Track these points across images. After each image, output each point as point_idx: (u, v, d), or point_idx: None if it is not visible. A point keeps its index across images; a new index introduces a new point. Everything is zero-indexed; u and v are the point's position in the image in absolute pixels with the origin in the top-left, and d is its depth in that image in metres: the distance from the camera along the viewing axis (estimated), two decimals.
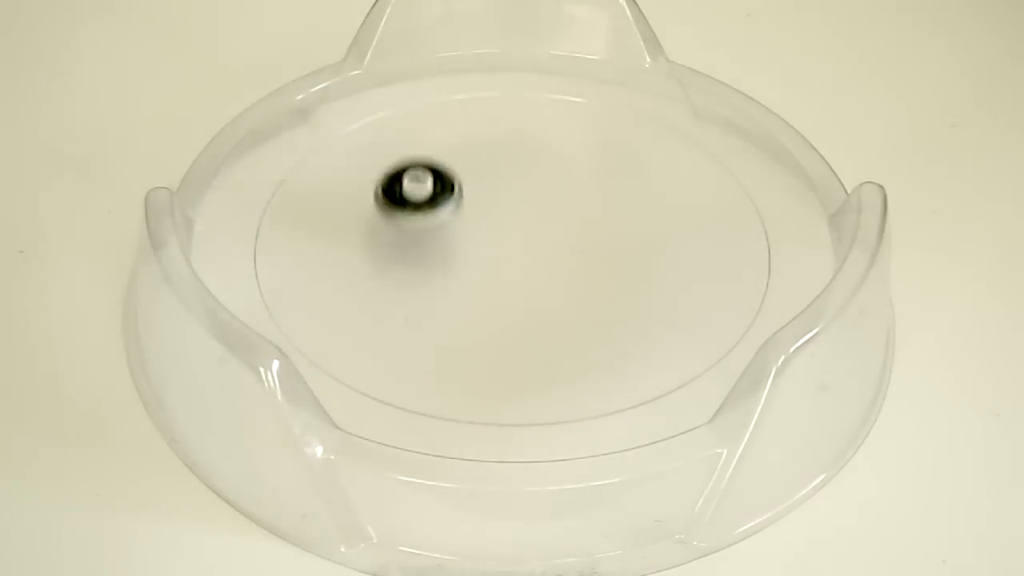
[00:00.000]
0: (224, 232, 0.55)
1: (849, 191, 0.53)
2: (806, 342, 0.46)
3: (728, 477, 0.45)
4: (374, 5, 0.60)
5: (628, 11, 0.60)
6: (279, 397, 0.45)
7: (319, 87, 0.60)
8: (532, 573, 0.46)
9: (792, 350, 0.45)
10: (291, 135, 0.59)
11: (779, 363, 0.45)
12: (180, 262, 0.48)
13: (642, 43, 0.60)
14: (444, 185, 0.53)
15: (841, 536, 0.48)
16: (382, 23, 0.60)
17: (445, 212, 0.53)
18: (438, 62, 0.62)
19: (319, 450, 0.45)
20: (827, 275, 0.50)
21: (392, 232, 0.54)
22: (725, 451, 0.45)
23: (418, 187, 0.53)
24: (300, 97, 0.59)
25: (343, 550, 0.46)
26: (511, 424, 0.48)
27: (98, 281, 0.55)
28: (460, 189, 0.53)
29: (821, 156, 0.56)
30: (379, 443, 0.45)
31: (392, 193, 0.53)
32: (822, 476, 0.49)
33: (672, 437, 0.45)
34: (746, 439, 0.45)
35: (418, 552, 0.46)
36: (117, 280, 0.54)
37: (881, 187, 0.51)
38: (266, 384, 0.45)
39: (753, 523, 0.47)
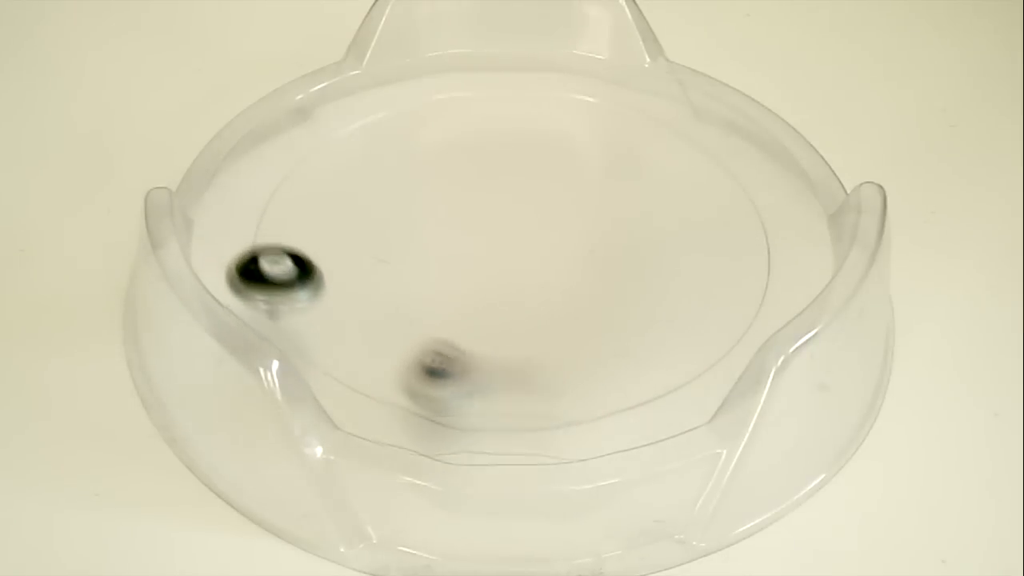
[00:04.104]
0: (224, 232, 0.55)
1: (849, 191, 0.53)
2: (806, 342, 0.46)
3: (728, 477, 0.45)
4: (374, 5, 0.60)
5: (628, 11, 0.60)
6: (279, 397, 0.45)
7: (319, 87, 0.60)
8: (533, 573, 0.46)
9: (792, 350, 0.45)
10: (291, 135, 0.59)
11: (779, 363, 0.45)
12: (180, 262, 0.48)
13: (642, 43, 0.60)
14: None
15: (841, 536, 0.48)
16: (382, 23, 0.60)
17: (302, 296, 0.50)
18: (438, 62, 0.62)
19: (319, 450, 0.45)
20: (827, 275, 0.50)
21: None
22: (725, 451, 0.45)
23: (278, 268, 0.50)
24: (300, 97, 0.59)
25: (343, 550, 0.46)
26: (511, 425, 0.48)
27: (98, 281, 0.55)
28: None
29: (821, 156, 0.56)
30: (379, 443, 0.45)
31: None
32: (822, 476, 0.49)
33: (672, 437, 0.45)
34: (746, 439, 0.45)
35: (417, 552, 0.46)
36: (117, 280, 0.54)
37: (881, 187, 0.51)
38: (266, 384, 0.45)
39: (753, 523, 0.47)
